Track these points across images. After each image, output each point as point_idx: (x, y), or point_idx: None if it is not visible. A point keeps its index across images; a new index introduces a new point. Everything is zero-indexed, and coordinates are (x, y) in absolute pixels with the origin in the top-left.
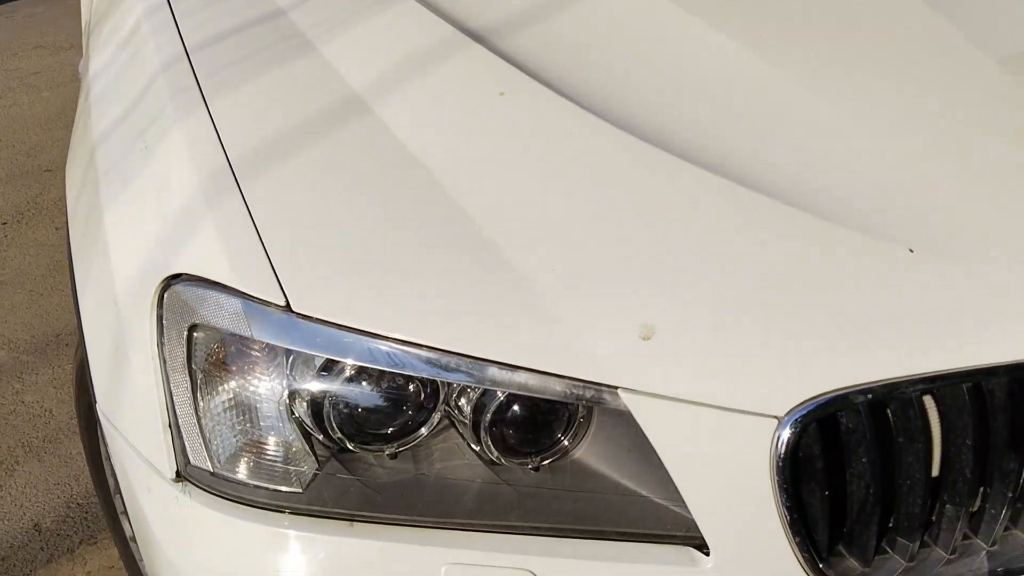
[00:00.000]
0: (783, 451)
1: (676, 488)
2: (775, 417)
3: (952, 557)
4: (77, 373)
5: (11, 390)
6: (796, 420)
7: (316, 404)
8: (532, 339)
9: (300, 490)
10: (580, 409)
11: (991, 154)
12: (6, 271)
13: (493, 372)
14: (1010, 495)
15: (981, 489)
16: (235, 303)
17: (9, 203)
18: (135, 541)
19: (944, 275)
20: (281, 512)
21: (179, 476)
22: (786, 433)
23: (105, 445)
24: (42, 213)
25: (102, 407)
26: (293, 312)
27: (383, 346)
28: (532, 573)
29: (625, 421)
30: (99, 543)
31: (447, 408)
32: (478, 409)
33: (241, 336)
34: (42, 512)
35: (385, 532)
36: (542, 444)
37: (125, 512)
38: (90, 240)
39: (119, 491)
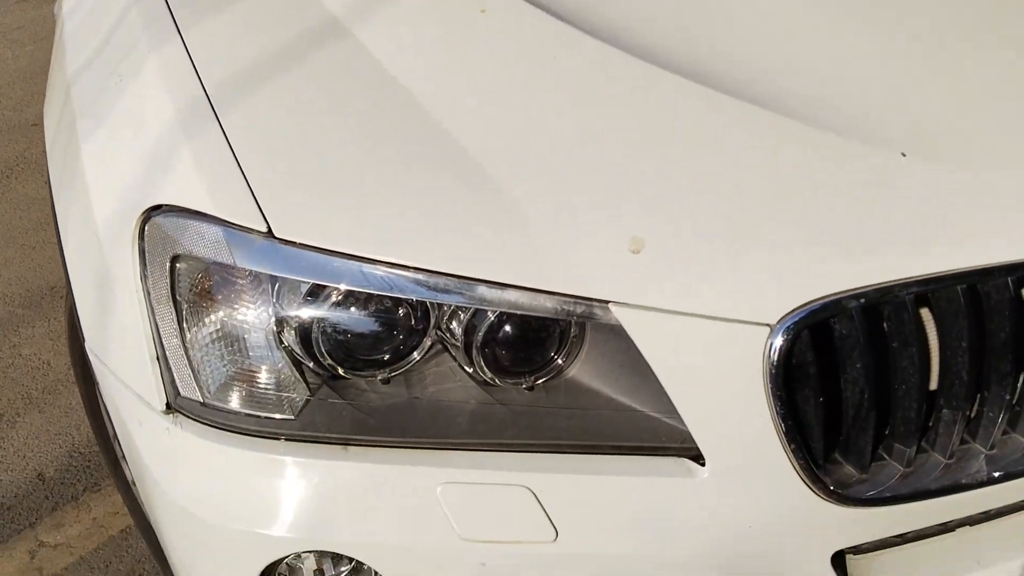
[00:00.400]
0: (776, 359)
1: (670, 401)
2: (767, 325)
3: (950, 462)
4: (68, 320)
5: (8, 343)
6: (788, 327)
7: (304, 331)
8: (520, 256)
9: (292, 417)
10: (572, 326)
11: (986, 62)
12: None
13: (483, 291)
14: (1007, 398)
15: (978, 394)
16: (216, 231)
17: None
18: (136, 485)
19: (936, 179)
20: (276, 439)
21: (169, 408)
22: (779, 341)
23: (97, 387)
24: (31, 167)
25: (91, 346)
26: (275, 238)
27: (370, 269)
28: (529, 489)
29: (617, 336)
30: (103, 490)
31: (439, 332)
32: (469, 330)
33: (224, 264)
34: (45, 462)
35: (380, 455)
36: (535, 363)
37: (125, 457)
38: (69, 178)
39: (117, 436)
